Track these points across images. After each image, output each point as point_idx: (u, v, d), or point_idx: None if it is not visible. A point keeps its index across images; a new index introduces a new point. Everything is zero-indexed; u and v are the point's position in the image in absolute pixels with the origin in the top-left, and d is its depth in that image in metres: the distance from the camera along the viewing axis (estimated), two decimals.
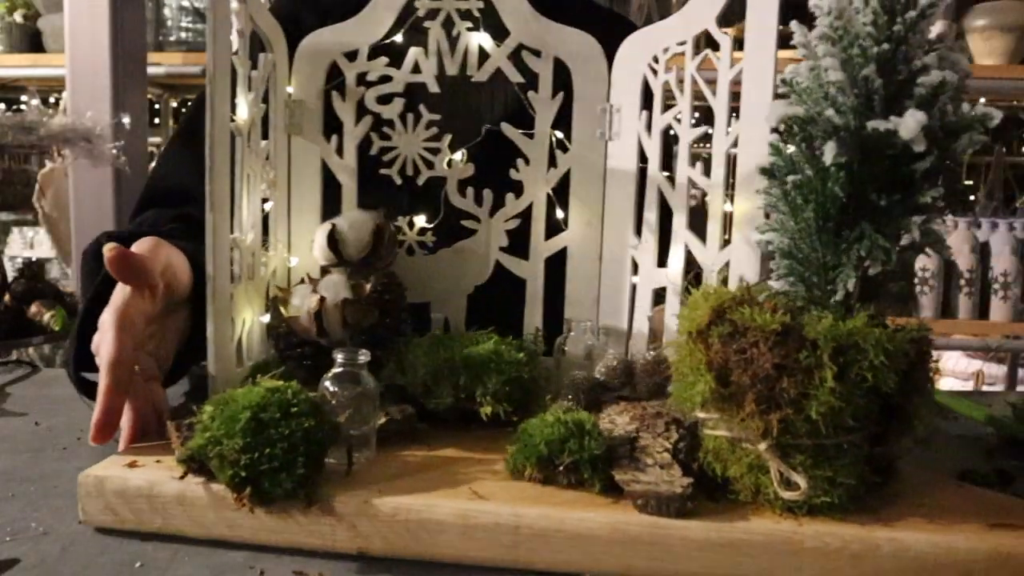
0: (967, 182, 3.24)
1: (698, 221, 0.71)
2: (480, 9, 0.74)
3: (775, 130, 0.49)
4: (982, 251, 2.25)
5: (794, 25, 0.51)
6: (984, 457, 0.62)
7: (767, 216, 0.61)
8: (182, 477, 0.50)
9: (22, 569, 0.46)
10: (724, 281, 0.67)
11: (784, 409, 0.46)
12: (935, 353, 2.43)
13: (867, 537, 0.44)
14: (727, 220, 0.69)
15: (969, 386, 2.47)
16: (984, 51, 2.16)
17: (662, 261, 0.73)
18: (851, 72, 0.47)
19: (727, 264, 0.68)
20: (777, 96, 0.53)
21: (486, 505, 0.47)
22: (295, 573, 0.46)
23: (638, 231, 0.74)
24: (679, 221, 0.71)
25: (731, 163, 0.68)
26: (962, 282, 2.22)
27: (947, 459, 0.61)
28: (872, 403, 0.47)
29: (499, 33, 0.75)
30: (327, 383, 0.55)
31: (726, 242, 0.69)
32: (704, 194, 0.72)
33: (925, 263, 2.20)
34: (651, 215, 0.73)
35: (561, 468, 0.50)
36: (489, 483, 0.51)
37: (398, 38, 0.75)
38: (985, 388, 2.38)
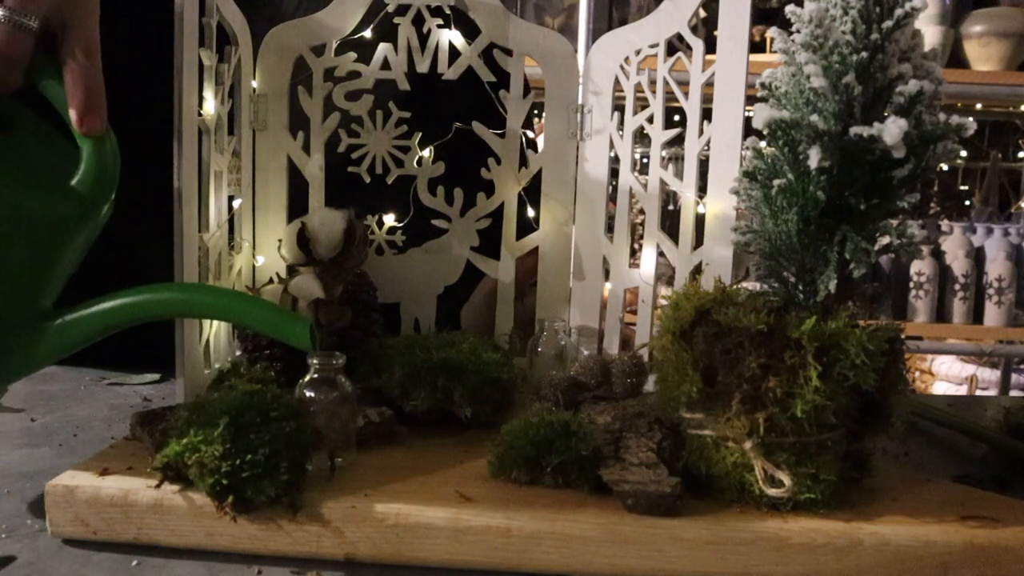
0: (962, 187, 3.34)
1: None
2: (451, 6, 0.73)
3: (759, 133, 0.50)
4: (977, 256, 2.30)
5: (774, 31, 0.52)
6: (979, 462, 0.64)
7: (738, 217, 0.62)
8: (158, 485, 0.48)
9: (17, 567, 0.44)
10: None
11: (770, 408, 0.47)
12: (928, 357, 2.47)
13: (850, 532, 0.45)
14: (698, 221, 0.70)
15: (963, 391, 2.53)
16: (981, 57, 2.20)
17: None
18: (832, 79, 0.48)
19: (699, 265, 0.69)
20: (754, 100, 0.54)
21: (476, 508, 0.47)
22: (293, 572, 0.45)
23: (610, 231, 0.74)
24: (651, 222, 0.72)
25: (703, 165, 0.69)
26: (957, 287, 2.27)
27: (942, 464, 0.63)
28: (852, 401, 0.48)
29: (470, 31, 0.74)
30: (304, 389, 0.54)
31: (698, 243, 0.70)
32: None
33: (921, 267, 2.24)
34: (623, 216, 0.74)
35: (549, 469, 0.50)
36: (474, 485, 0.50)
37: (367, 33, 0.74)
38: (978, 392, 2.43)
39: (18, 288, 0.49)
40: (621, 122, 0.73)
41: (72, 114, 0.49)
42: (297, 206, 0.75)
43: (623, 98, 0.73)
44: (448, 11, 0.73)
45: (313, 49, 0.74)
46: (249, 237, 0.74)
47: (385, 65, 0.74)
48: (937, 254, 2.31)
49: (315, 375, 0.54)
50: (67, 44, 0.49)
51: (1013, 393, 2.49)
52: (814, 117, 0.47)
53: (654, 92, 0.72)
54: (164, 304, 0.50)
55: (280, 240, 0.71)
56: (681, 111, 0.70)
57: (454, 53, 0.74)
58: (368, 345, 0.66)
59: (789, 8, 0.50)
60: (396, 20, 0.73)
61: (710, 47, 0.69)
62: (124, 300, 0.49)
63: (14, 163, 0.49)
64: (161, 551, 0.47)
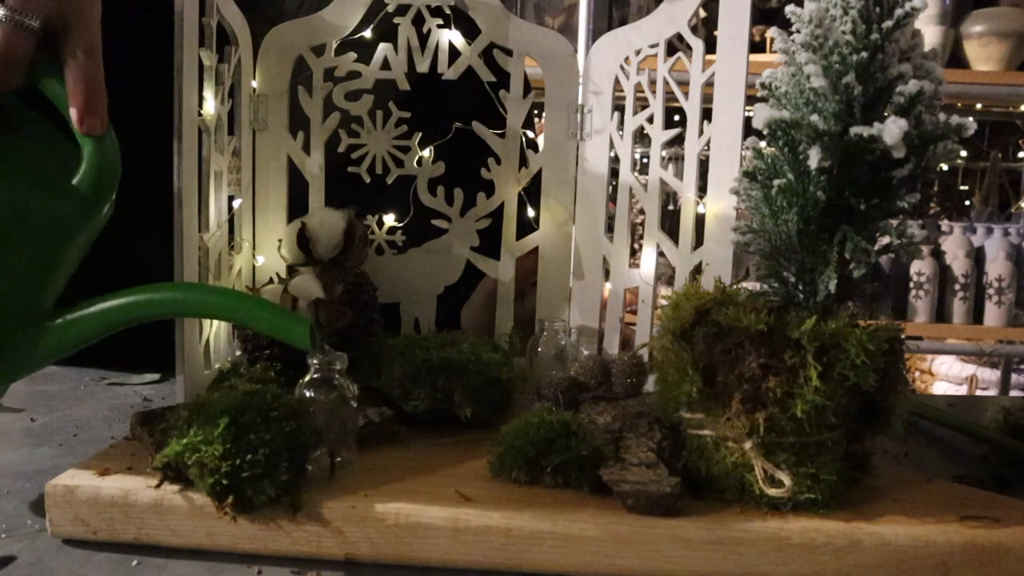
0: (962, 187, 3.34)
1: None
2: (451, 6, 0.73)
3: (759, 133, 0.50)
4: (977, 256, 2.29)
5: (775, 31, 0.52)
6: (979, 462, 0.64)
7: (738, 217, 0.62)
8: (158, 485, 0.48)
9: (18, 567, 0.45)
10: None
11: (769, 408, 0.47)
12: (928, 357, 2.47)
13: (850, 532, 0.45)
14: (698, 221, 0.70)
15: (963, 391, 2.53)
16: (981, 57, 2.20)
17: None
18: (832, 79, 0.48)
19: (699, 265, 0.69)
20: (754, 100, 0.54)
21: (476, 508, 0.47)
22: (293, 572, 0.45)
23: (610, 231, 0.74)
24: (651, 222, 0.72)
25: (703, 165, 0.69)
26: (957, 287, 2.26)
27: (942, 464, 0.63)
28: (853, 401, 0.48)
29: (470, 31, 0.74)
30: (304, 389, 0.54)
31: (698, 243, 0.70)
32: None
33: (921, 267, 2.24)
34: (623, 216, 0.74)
35: (549, 469, 0.50)
36: (474, 485, 0.50)
37: (367, 33, 0.74)
38: (978, 392, 2.43)
39: (19, 287, 0.49)
40: (621, 122, 0.73)
41: (72, 113, 0.49)
42: (297, 206, 0.75)
43: (623, 98, 0.73)
44: (448, 11, 0.73)
45: (313, 49, 0.74)
46: (249, 237, 0.74)
47: (385, 65, 0.74)
48: (937, 254, 2.31)
49: (315, 375, 0.54)
50: (68, 43, 0.49)
51: (1013, 393, 2.49)
52: (814, 117, 0.47)
53: (654, 92, 0.72)
54: (164, 304, 0.50)
55: (280, 240, 0.71)
56: (681, 111, 0.70)
57: (454, 53, 0.74)
58: (368, 345, 0.66)
59: (789, 8, 0.50)
60: (396, 20, 0.73)
61: (710, 47, 0.69)
62: (124, 300, 0.49)
63: (16, 162, 0.49)
64: (161, 551, 0.47)
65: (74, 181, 0.49)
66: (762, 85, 0.52)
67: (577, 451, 0.50)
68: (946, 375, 2.65)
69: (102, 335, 0.50)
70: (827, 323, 0.47)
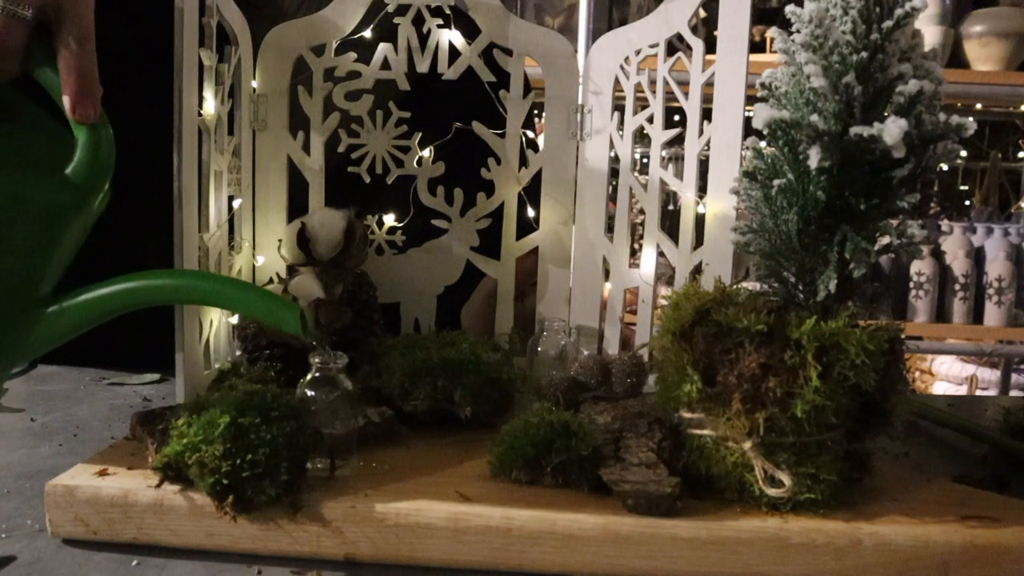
0: (962, 187, 3.34)
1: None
2: (451, 6, 0.73)
3: (759, 133, 0.50)
4: (977, 256, 2.29)
5: (775, 31, 0.52)
6: (979, 462, 0.64)
7: (738, 217, 0.62)
8: (158, 485, 0.48)
9: (18, 566, 0.45)
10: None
11: (770, 408, 0.47)
12: (928, 357, 2.47)
13: (850, 532, 0.45)
14: (698, 221, 0.70)
15: (963, 391, 2.52)
16: (981, 57, 2.20)
17: None
18: (832, 79, 0.48)
19: (699, 265, 0.69)
20: (754, 100, 0.54)
21: (476, 508, 0.47)
22: (293, 572, 0.45)
23: (610, 231, 0.74)
24: (651, 222, 0.72)
25: (703, 165, 0.69)
26: (957, 287, 2.26)
27: (942, 464, 0.63)
28: (853, 401, 0.48)
29: (470, 31, 0.74)
30: (305, 389, 0.54)
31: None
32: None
33: (921, 267, 2.24)
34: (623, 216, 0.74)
35: (549, 469, 0.50)
36: (474, 485, 0.50)
37: (367, 33, 0.74)
38: (978, 392, 2.43)
39: (14, 275, 0.49)
40: (621, 122, 0.73)
41: (66, 101, 0.49)
42: (297, 206, 0.75)
43: (623, 98, 0.73)
44: (448, 11, 0.73)
45: (313, 49, 0.74)
46: (249, 237, 0.74)
47: (385, 65, 0.74)
48: (937, 254, 2.30)
49: (316, 374, 0.54)
50: (61, 32, 0.49)
51: (1013, 393, 2.48)
52: (814, 117, 0.47)
53: (654, 92, 0.72)
54: (157, 290, 0.50)
55: (280, 240, 0.71)
56: (681, 111, 0.70)
57: (454, 53, 0.74)
58: (368, 345, 0.66)
59: (789, 8, 0.50)
60: (396, 20, 0.73)
61: (710, 47, 0.69)
62: (118, 286, 0.50)
63: (10, 150, 0.49)
64: (161, 551, 0.47)
65: (68, 169, 0.50)
66: (762, 85, 0.52)
67: (577, 451, 0.50)
68: (946, 375, 2.65)
69: (97, 322, 0.50)
70: (827, 323, 0.47)
